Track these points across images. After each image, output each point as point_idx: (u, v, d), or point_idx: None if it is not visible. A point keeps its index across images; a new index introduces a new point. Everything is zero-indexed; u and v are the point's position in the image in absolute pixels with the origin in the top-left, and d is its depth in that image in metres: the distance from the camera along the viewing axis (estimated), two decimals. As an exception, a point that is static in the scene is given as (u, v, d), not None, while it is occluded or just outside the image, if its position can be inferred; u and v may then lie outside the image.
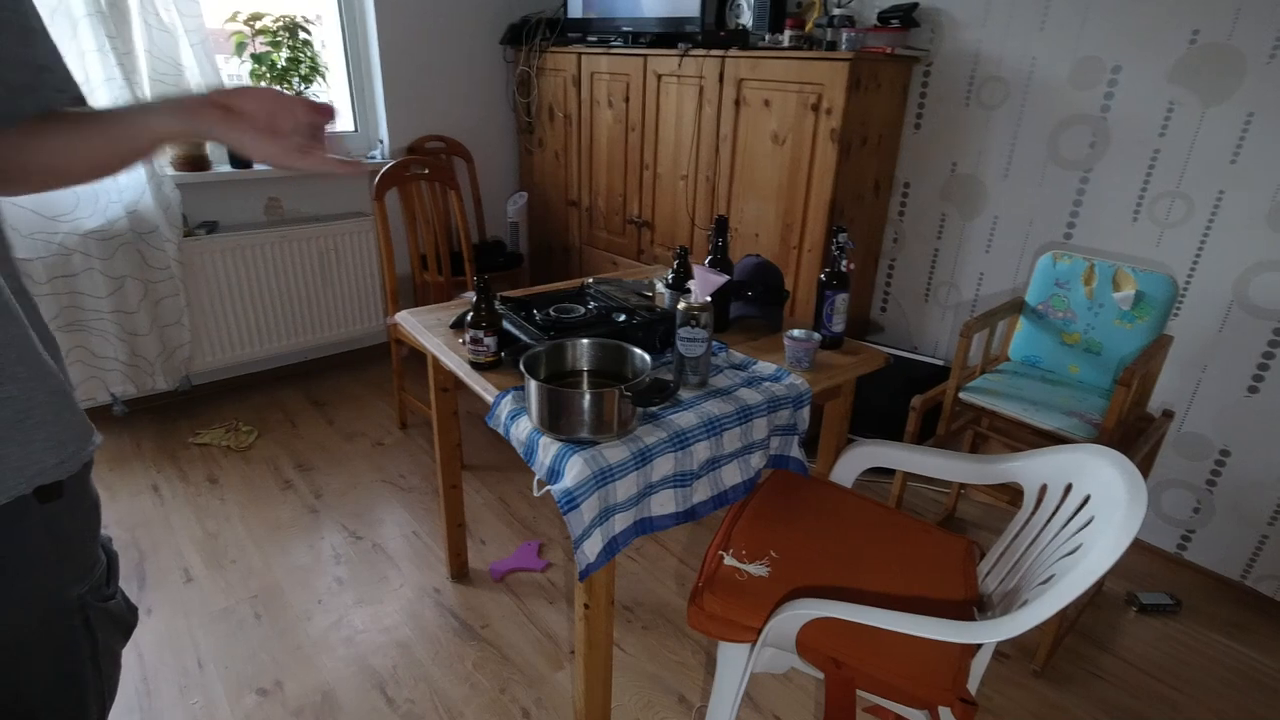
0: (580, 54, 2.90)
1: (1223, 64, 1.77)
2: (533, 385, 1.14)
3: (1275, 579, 1.95)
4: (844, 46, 2.12)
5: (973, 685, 1.22)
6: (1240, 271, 1.85)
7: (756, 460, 1.35)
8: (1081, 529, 1.10)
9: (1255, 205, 1.79)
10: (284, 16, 2.56)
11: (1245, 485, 1.95)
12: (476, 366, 1.40)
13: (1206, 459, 2.00)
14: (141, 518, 2.15)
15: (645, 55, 2.64)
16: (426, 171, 2.52)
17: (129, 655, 1.65)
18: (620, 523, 1.17)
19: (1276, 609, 1.95)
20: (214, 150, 2.63)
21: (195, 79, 2.40)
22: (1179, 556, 2.11)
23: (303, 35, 2.60)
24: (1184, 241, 1.92)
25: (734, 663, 1.21)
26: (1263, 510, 1.93)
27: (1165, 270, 1.93)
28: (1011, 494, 1.92)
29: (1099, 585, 2.01)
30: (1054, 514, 1.21)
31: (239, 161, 2.63)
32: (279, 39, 2.56)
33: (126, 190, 2.33)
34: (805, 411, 1.40)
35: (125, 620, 0.92)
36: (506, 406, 1.27)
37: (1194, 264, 1.92)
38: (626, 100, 2.78)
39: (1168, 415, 1.93)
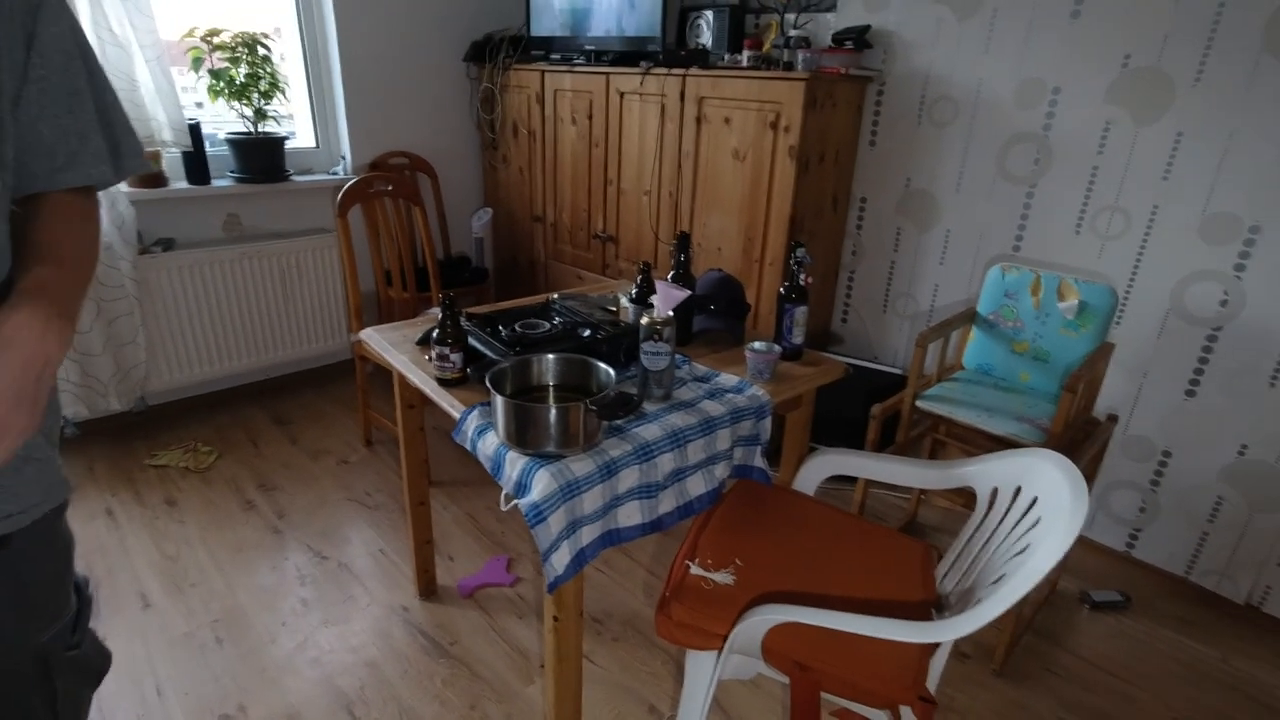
0: (544, 71, 2.93)
1: (1153, 86, 1.88)
2: (499, 401, 1.16)
3: (1217, 574, 2.04)
4: (800, 67, 2.19)
5: (932, 684, 1.26)
6: (1175, 281, 1.95)
7: (721, 470, 1.38)
8: (1030, 529, 1.15)
9: (1187, 219, 1.89)
10: (242, 32, 2.55)
11: (1186, 485, 2.04)
12: (443, 383, 1.40)
13: (1150, 460, 2.09)
14: (95, 544, 2.09)
15: (608, 73, 2.68)
16: (390, 188, 2.52)
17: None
18: (588, 535, 1.18)
19: (1219, 602, 2.04)
20: (171, 166, 2.59)
21: (150, 94, 2.36)
22: (1128, 554, 2.20)
23: (262, 51, 2.58)
24: (1123, 253, 2.02)
25: (701, 670, 1.23)
26: (1203, 508, 2.02)
27: (1106, 281, 2.02)
28: (968, 498, 1.98)
29: (1053, 584, 2.08)
30: (1004, 516, 1.26)
31: (197, 177, 2.59)
32: (237, 55, 2.54)
33: (79, 208, 2.28)
34: (767, 422, 1.43)
35: (94, 667, 0.87)
36: (473, 422, 1.28)
37: (1133, 275, 2.02)
38: (590, 117, 2.82)
39: (1113, 419, 2.02)
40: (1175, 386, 2.01)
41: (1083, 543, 2.27)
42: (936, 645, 1.22)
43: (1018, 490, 1.26)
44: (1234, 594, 2.02)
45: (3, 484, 0.69)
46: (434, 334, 1.37)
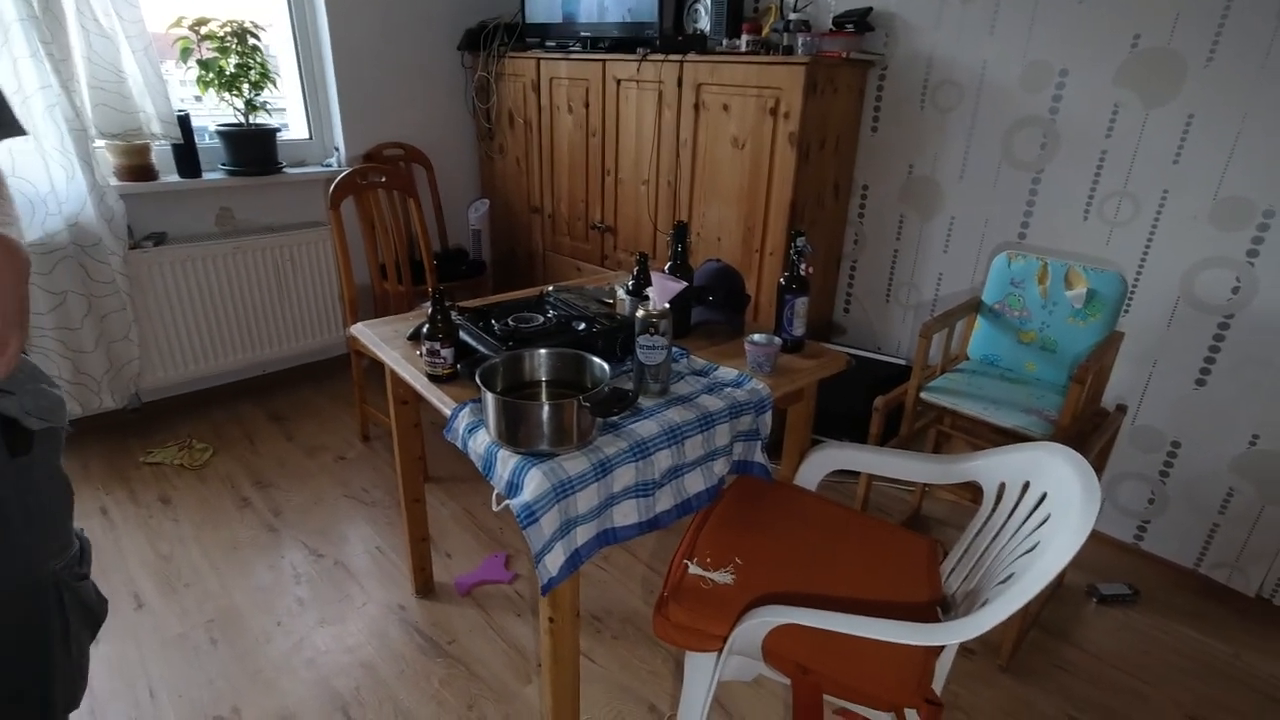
0: (539, 59, 2.88)
1: (1164, 68, 1.82)
2: (489, 398, 1.12)
3: (1227, 566, 2.00)
4: (800, 51, 2.13)
5: (938, 685, 1.22)
6: (1186, 268, 1.90)
7: (720, 467, 1.34)
8: (1039, 527, 1.11)
9: (1198, 204, 1.85)
10: (231, 21, 2.50)
11: (1196, 476, 2.00)
12: (434, 379, 1.37)
13: (1159, 451, 2.05)
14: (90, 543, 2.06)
15: (604, 60, 2.63)
16: (384, 179, 2.47)
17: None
18: (582, 535, 1.15)
19: (1229, 595, 2.00)
20: (161, 159, 2.55)
21: (139, 87, 2.32)
22: (1136, 547, 2.16)
23: (251, 41, 2.53)
24: (1132, 240, 1.97)
25: (701, 672, 1.20)
26: (1213, 499, 1.99)
27: (1115, 268, 1.98)
28: (974, 492, 1.95)
29: (1060, 578, 2.04)
30: (1012, 512, 1.23)
31: (188, 170, 2.55)
32: (227, 45, 2.49)
33: (66, 202, 2.24)
34: (768, 416, 1.40)
35: (95, 611, 0.91)
36: (464, 419, 1.24)
37: (1142, 262, 1.97)
38: (586, 105, 2.77)
39: (1121, 409, 1.97)
40: (1185, 376, 1.96)
41: (1090, 535, 2.23)
42: (943, 646, 1.19)
43: (1026, 485, 1.22)
44: (1245, 587, 1.98)
45: (26, 387, 0.76)
46: (424, 329, 1.33)
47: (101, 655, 1.69)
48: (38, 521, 0.80)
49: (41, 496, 0.81)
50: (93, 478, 2.38)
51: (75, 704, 0.88)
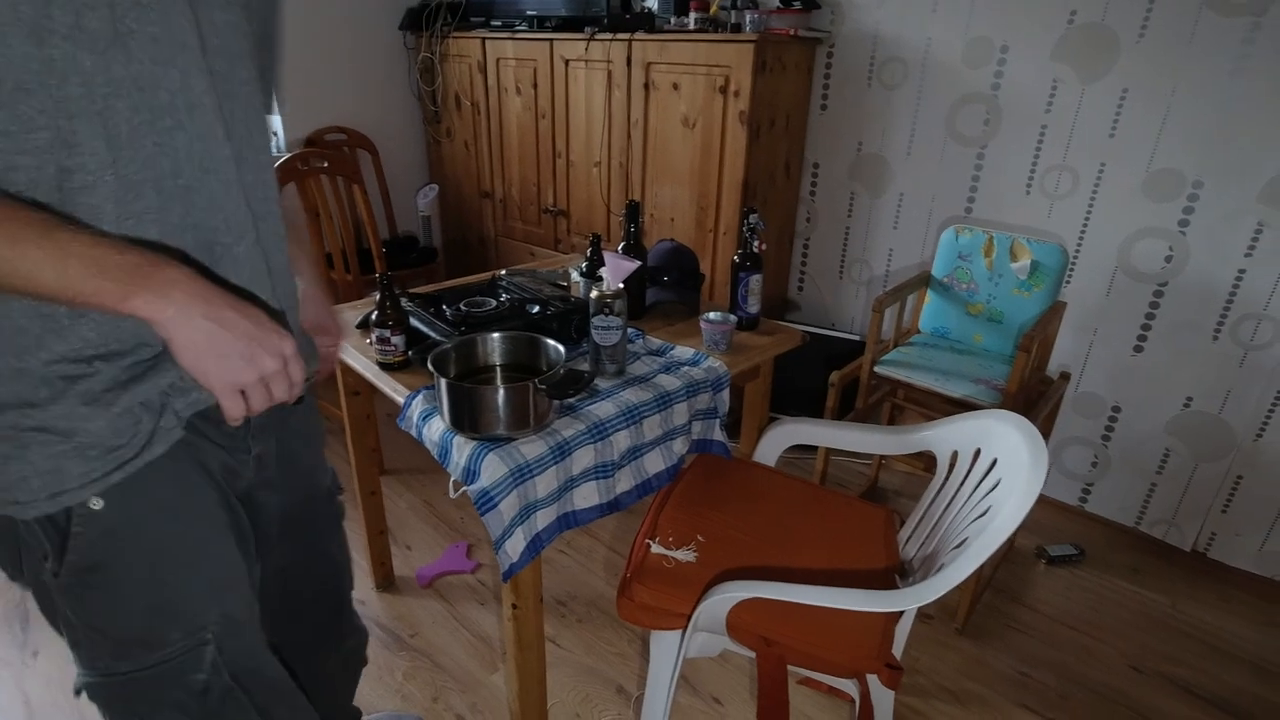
0: (484, 39, 2.81)
1: (1098, 43, 1.87)
2: (443, 384, 1.09)
3: (1165, 523, 2.10)
4: (748, 28, 2.13)
5: (898, 649, 1.25)
6: (1122, 239, 1.97)
7: (679, 446, 1.34)
8: (990, 491, 1.14)
9: (1133, 176, 1.91)
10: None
11: (1135, 438, 2.09)
12: (385, 367, 1.33)
13: (1100, 416, 2.13)
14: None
15: (551, 40, 2.58)
16: (326, 165, 2.39)
17: (14, 703, 1.51)
18: (542, 519, 1.14)
19: (1168, 551, 2.10)
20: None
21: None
22: (1080, 509, 2.25)
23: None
24: (1072, 212, 2.03)
25: (667, 650, 1.20)
26: (1151, 460, 2.07)
27: (1057, 240, 2.03)
28: (927, 461, 1.99)
29: (1011, 542, 2.11)
30: (965, 479, 1.26)
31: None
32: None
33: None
34: (725, 394, 1.40)
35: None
36: (418, 407, 1.21)
37: (1082, 233, 2.03)
38: (535, 87, 2.72)
39: (1065, 377, 2.04)
40: (1124, 343, 2.04)
41: (1038, 499, 2.31)
42: (902, 612, 1.22)
43: (977, 452, 1.25)
44: (1181, 542, 2.08)
45: (305, 352, 0.86)
46: (373, 316, 1.29)
47: (41, 669, 1.62)
48: (319, 444, 1.03)
49: (318, 426, 1.02)
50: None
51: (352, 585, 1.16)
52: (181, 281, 0.61)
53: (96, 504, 0.69)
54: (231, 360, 0.63)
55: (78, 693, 0.76)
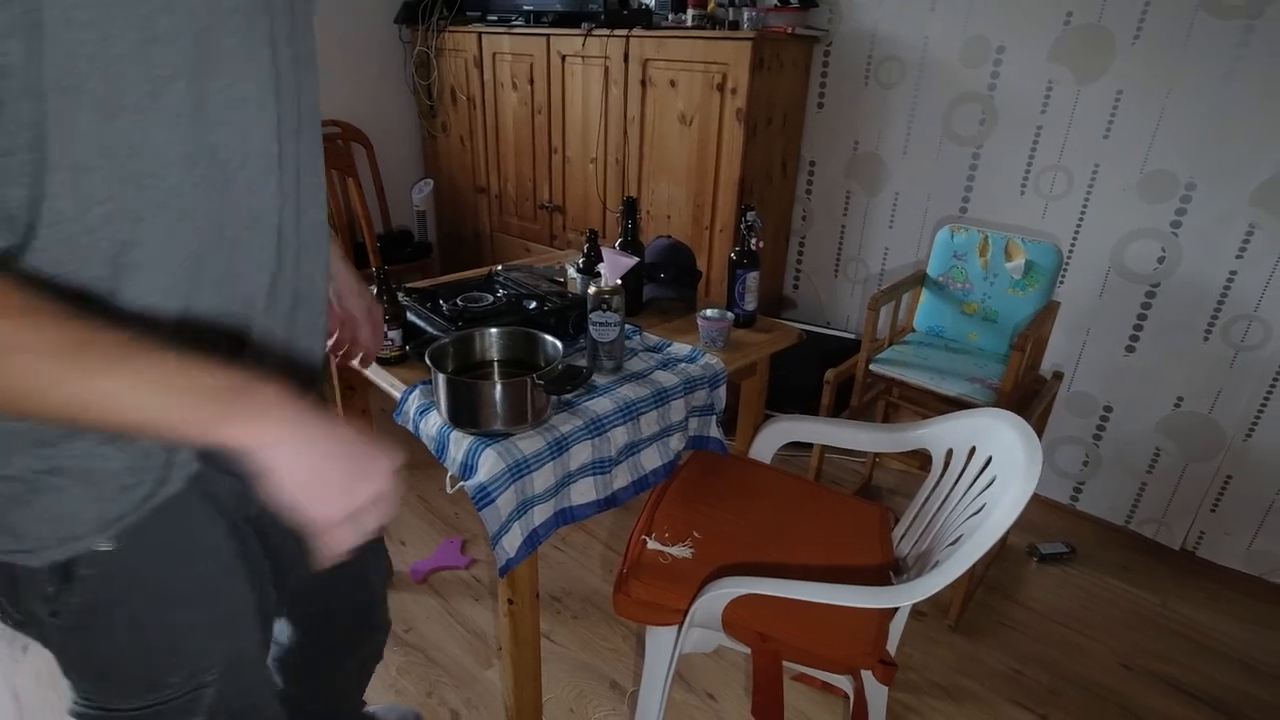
0: (481, 33, 2.80)
1: (1094, 44, 1.88)
2: (440, 378, 1.09)
3: (1155, 522, 2.12)
4: (745, 26, 2.13)
5: (892, 646, 1.26)
6: (1116, 240, 1.98)
7: (675, 442, 1.34)
8: (985, 489, 1.15)
9: (1127, 177, 1.92)
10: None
11: (1126, 438, 2.10)
12: (381, 362, 1.33)
13: (1092, 415, 2.15)
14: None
15: (548, 35, 2.57)
16: (321, 158, 2.38)
17: (4, 698, 1.50)
18: (540, 515, 1.14)
19: (1157, 549, 2.12)
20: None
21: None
22: (1072, 507, 2.27)
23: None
24: (1066, 212, 2.04)
25: (662, 646, 1.21)
26: (1141, 460, 2.09)
27: (1051, 240, 2.04)
28: (922, 459, 2.00)
29: (1003, 540, 2.13)
30: (960, 476, 1.26)
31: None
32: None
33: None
34: (722, 391, 1.40)
35: None
36: (415, 402, 1.21)
37: (1076, 233, 2.04)
38: (531, 82, 2.71)
39: (1058, 376, 2.05)
40: (1116, 343, 2.05)
41: (1031, 498, 2.33)
42: (896, 609, 1.22)
43: (972, 450, 1.26)
44: (1170, 541, 2.10)
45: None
46: (369, 310, 1.29)
47: (30, 664, 1.61)
48: None
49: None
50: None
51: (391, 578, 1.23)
52: (278, 404, 0.56)
53: (105, 545, 0.66)
54: (332, 491, 0.58)
55: (72, 716, 0.74)
